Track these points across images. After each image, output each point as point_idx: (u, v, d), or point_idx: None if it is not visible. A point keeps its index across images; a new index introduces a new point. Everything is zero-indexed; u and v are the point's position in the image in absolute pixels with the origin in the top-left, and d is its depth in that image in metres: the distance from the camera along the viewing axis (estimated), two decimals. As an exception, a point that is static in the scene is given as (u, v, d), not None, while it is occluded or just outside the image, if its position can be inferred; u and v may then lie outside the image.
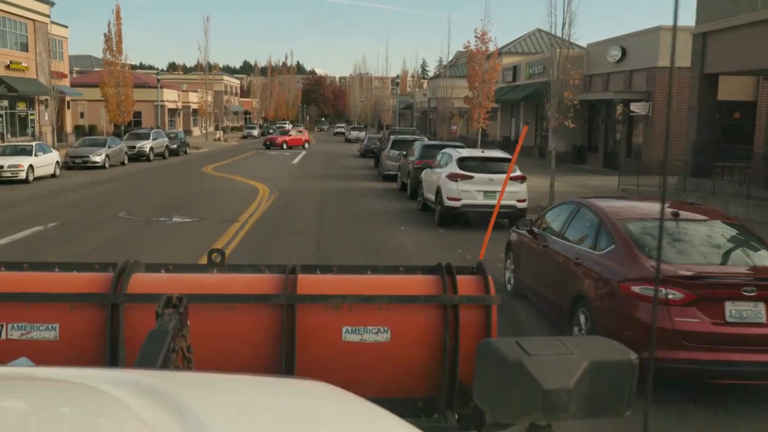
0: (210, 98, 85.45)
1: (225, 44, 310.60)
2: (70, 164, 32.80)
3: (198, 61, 68.81)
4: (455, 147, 21.27)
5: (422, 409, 2.84)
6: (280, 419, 1.29)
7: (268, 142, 55.58)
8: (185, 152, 46.98)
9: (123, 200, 20.72)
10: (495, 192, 15.91)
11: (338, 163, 39.50)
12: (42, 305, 2.69)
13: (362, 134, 73.77)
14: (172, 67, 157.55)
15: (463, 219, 16.28)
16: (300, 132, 59.66)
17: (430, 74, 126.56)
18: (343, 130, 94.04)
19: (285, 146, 54.16)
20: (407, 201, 21.29)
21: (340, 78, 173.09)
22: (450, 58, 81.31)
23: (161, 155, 41.26)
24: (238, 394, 1.45)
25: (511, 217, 16.34)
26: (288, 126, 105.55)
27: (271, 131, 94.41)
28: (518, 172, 16.28)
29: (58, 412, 1.18)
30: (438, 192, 16.58)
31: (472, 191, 15.82)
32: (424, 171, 19.14)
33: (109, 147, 34.27)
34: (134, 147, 38.46)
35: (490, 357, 1.57)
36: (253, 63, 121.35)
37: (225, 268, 3.01)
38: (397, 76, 57.61)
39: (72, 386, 1.29)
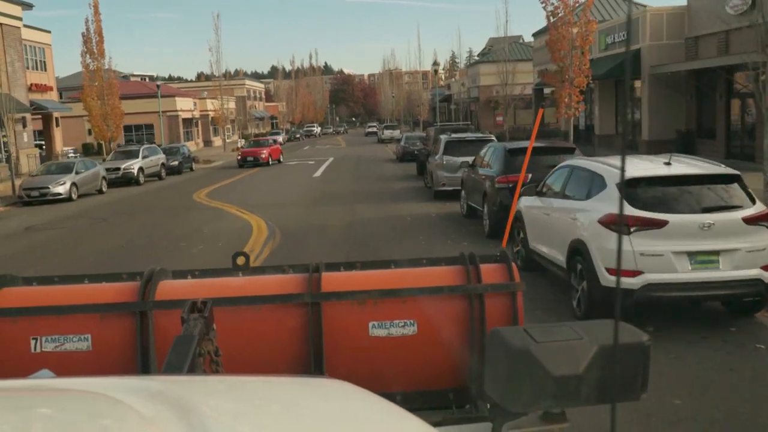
0: (231, 104, 77.79)
1: (252, 50, 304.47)
2: (26, 199, 24.80)
3: (210, 64, 60.22)
4: (567, 149, 12.53)
5: (453, 400, 2.75)
6: (293, 421, 1.25)
7: (249, 158, 38.30)
8: (191, 168, 38.84)
9: (30, 268, 12.34)
10: (717, 254, 7.08)
11: (372, 172, 30.86)
12: (73, 317, 2.67)
13: (396, 133, 64.94)
14: (200, 77, 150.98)
15: (640, 310, 7.51)
16: (275, 142, 43.80)
17: (461, 67, 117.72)
18: (375, 129, 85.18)
19: (271, 161, 38.98)
20: (486, 241, 12.59)
21: (369, 76, 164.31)
22: (484, 46, 72.33)
23: (156, 175, 33.12)
24: (254, 396, 1.40)
25: (751, 300, 7.48)
26: (316, 128, 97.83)
27: (297, 135, 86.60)
28: (762, 207, 7.40)
29: (62, 420, 1.15)
30: (577, 252, 7.81)
31: (666, 254, 7.02)
32: (523, 201, 10.37)
33: (77, 173, 26.15)
34: (118, 169, 30.35)
35: (498, 346, 1.52)
36: (279, 67, 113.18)
37: (249, 270, 2.97)
38: (435, 62, 48.09)
39: (83, 395, 1.29)
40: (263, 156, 38.60)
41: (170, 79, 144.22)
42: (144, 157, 31.93)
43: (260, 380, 1.59)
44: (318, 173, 31.91)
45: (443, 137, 20.20)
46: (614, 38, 30.82)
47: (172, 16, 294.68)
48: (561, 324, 1.60)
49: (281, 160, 41.40)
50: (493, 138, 19.62)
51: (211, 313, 2.20)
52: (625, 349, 1.48)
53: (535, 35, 43.56)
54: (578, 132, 36.90)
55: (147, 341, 2.64)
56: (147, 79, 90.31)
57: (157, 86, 44.85)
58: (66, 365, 2.54)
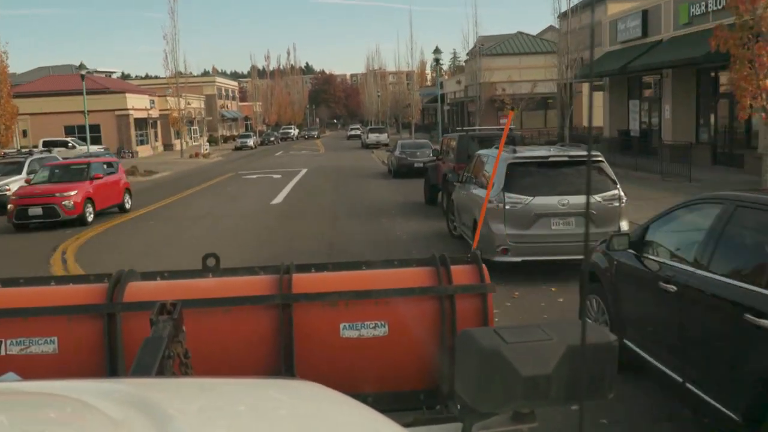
0: (195, 103, 67.36)
1: (232, 50, 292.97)
2: None
3: (165, 54, 49.99)
4: None
5: (424, 401, 2.70)
6: (263, 422, 1.21)
7: (31, 207, 16.63)
8: (117, 184, 28.59)
9: None
10: None
11: (358, 196, 20.96)
12: (40, 319, 2.57)
13: (384, 137, 54.98)
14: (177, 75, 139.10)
15: None
16: (112, 169, 19.72)
17: (445, 67, 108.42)
18: (358, 132, 75.09)
19: (89, 213, 17.11)
20: None
21: (352, 75, 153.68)
22: (473, 45, 63.19)
23: (55, 197, 22.85)
24: (224, 398, 1.35)
25: None
26: (293, 131, 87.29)
27: (272, 138, 76.27)
28: None
29: (28, 424, 1.10)
30: None
31: None
32: None
33: None
34: (-17, 191, 20.04)
35: (468, 347, 1.50)
36: (255, 64, 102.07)
37: (220, 272, 2.89)
38: (437, 49, 38.20)
39: (50, 399, 1.23)
40: (67, 204, 16.69)
41: (147, 77, 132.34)
42: (31, 173, 21.64)
43: (230, 382, 1.53)
44: (280, 197, 21.83)
45: (498, 153, 10.27)
46: (705, 6, 21.09)
47: (157, 15, 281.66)
48: (531, 325, 1.55)
49: (127, 205, 19.55)
50: (601, 157, 9.77)
51: (181, 315, 2.13)
52: (593, 349, 1.43)
53: (562, 16, 33.90)
54: (627, 138, 27.22)
55: (115, 343, 2.54)
56: (110, 76, 79.69)
57: (82, 76, 33.99)
58: (32, 368, 2.42)
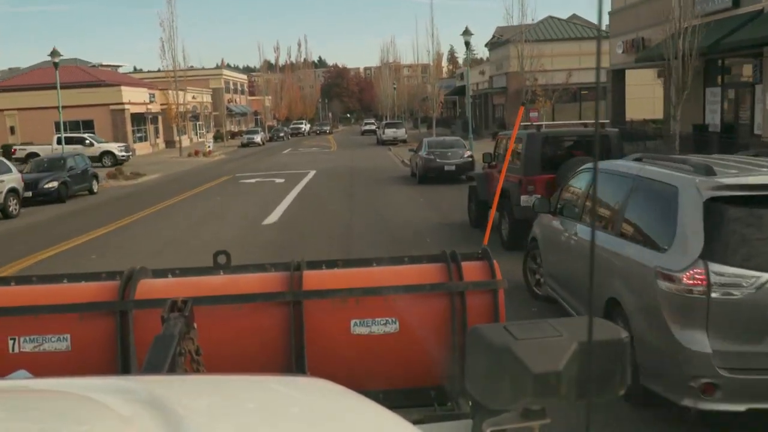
0: (202, 97, 62.68)
1: (245, 45, 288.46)
2: None
3: (162, 43, 45.09)
4: None
5: (435, 398, 2.63)
6: (274, 420, 1.20)
7: None
8: (90, 190, 23.87)
9: None
10: None
11: (376, 212, 16.00)
12: (52, 317, 2.53)
13: (401, 132, 49.87)
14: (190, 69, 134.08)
15: None
16: None
17: (460, 61, 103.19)
18: (373, 127, 69.99)
19: None
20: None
21: (365, 69, 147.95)
22: (492, 35, 58.97)
23: (-1, 211, 18.13)
24: (234, 395, 1.33)
25: None
26: (304, 126, 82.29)
27: (281, 134, 71.32)
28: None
29: (37, 421, 1.08)
30: None
31: None
32: None
33: None
34: None
35: (478, 343, 1.48)
36: (265, 57, 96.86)
37: (231, 269, 2.85)
38: (467, 31, 32.97)
39: (60, 396, 1.22)
40: None
41: (159, 71, 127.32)
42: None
43: (241, 379, 1.53)
44: (277, 212, 16.81)
45: (685, 182, 5.28)
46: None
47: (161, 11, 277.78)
48: (541, 321, 1.53)
49: None
50: None
51: (192, 312, 2.11)
52: (604, 345, 1.42)
53: (614, -9, 28.68)
54: (704, 133, 21.99)
55: (127, 341, 2.51)
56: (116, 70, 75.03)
57: (55, 64, 28.67)
58: (45, 365, 2.39)
